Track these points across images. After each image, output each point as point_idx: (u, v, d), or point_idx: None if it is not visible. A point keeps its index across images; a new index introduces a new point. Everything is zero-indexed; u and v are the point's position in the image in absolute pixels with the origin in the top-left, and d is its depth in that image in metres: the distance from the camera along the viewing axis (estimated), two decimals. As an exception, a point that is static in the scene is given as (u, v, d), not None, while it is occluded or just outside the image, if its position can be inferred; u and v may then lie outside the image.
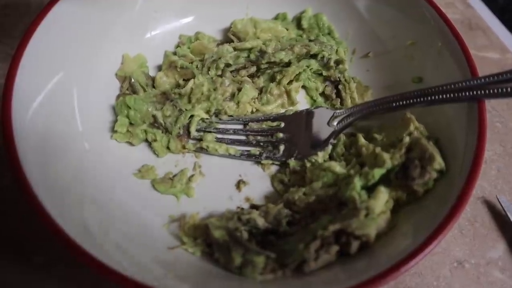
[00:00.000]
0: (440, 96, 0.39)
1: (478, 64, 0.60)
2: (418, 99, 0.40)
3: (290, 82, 0.50)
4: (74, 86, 0.43)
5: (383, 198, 0.36)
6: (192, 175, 0.45)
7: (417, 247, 0.32)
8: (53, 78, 0.41)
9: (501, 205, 0.46)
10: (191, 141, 0.47)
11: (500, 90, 0.37)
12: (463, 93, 0.38)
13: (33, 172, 0.33)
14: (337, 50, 0.51)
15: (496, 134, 0.54)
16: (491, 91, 0.37)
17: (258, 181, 0.45)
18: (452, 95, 0.39)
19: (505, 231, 0.46)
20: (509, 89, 0.36)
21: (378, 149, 0.40)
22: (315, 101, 0.51)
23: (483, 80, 0.38)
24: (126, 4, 0.49)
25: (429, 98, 0.40)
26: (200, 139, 0.47)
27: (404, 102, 0.41)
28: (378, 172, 0.37)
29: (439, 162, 0.36)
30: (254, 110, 0.49)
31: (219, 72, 0.49)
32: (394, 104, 0.42)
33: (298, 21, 0.54)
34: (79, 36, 0.44)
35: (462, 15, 0.66)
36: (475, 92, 0.38)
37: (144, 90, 0.48)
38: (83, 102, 0.44)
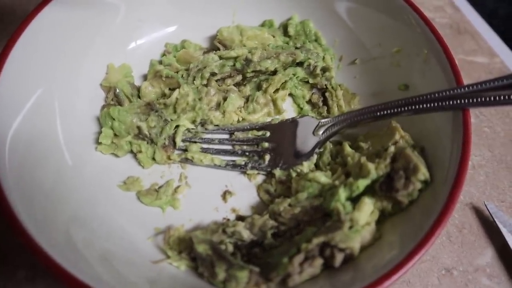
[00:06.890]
0: (425, 105, 0.39)
1: (467, 68, 0.60)
2: (403, 108, 0.40)
3: (277, 91, 0.50)
4: (56, 99, 0.42)
5: (367, 210, 0.36)
6: (178, 187, 0.45)
7: (402, 259, 0.31)
8: (34, 92, 0.40)
9: (488, 211, 0.46)
10: (176, 152, 0.46)
11: (484, 99, 0.37)
12: (448, 102, 0.38)
13: (13, 191, 0.33)
14: (324, 57, 0.51)
15: (484, 139, 0.53)
16: (476, 99, 0.37)
17: (244, 191, 0.45)
18: (437, 104, 0.39)
19: (493, 237, 0.46)
20: (492, 98, 0.36)
21: (363, 159, 0.39)
22: (302, 109, 0.51)
23: (467, 88, 0.38)
24: (109, 13, 0.48)
25: (414, 107, 0.40)
26: (185, 150, 0.46)
27: (389, 111, 0.41)
28: (362, 183, 0.37)
29: (423, 173, 0.36)
30: (240, 119, 0.49)
31: (205, 82, 0.48)
32: (379, 113, 0.41)
33: (284, 28, 0.54)
34: (61, 47, 0.44)
35: (451, 19, 0.66)
36: (459, 101, 0.38)
37: (130, 101, 0.48)
38: (67, 115, 0.43)
